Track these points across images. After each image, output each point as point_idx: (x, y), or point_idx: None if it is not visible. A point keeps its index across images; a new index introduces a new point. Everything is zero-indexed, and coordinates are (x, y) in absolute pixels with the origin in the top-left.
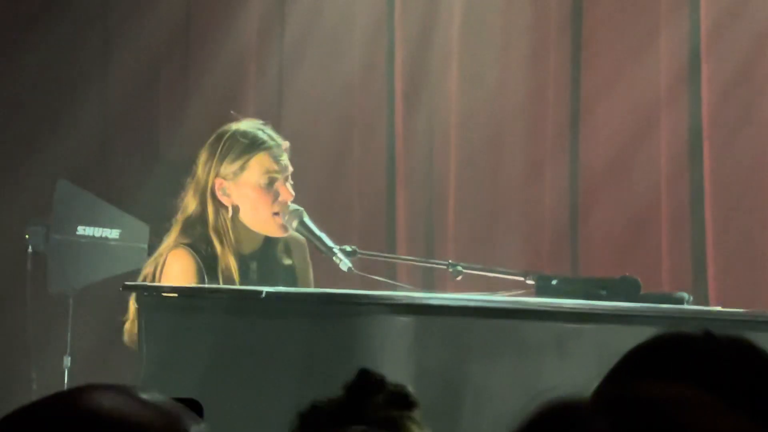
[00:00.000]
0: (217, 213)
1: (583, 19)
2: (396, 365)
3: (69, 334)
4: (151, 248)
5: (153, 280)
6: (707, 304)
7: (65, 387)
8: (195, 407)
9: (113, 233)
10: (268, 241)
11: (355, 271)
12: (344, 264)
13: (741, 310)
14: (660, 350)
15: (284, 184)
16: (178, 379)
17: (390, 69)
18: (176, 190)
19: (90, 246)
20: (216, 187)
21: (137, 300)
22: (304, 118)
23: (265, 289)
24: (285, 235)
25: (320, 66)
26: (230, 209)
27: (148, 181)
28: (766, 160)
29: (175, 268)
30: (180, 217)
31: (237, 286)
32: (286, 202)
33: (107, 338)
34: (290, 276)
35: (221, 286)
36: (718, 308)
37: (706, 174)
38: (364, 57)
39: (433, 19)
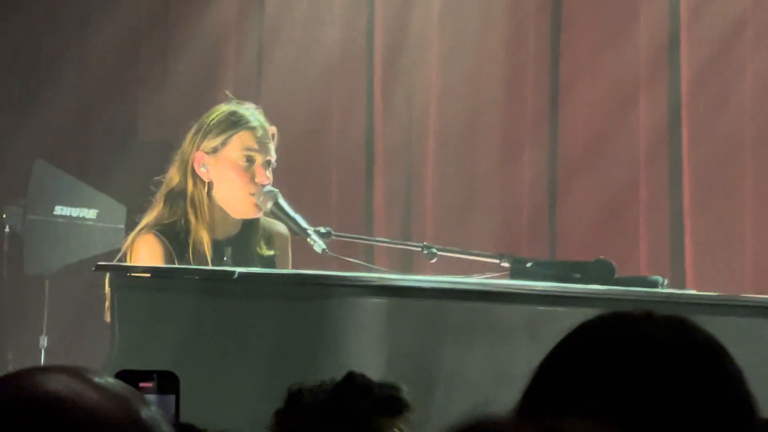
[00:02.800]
0: (194, 186)
1: (563, 0)
2: (368, 347)
3: (45, 314)
4: (129, 228)
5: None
6: (684, 287)
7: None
8: (172, 379)
9: (90, 213)
10: (246, 229)
11: (329, 253)
12: (318, 246)
13: (715, 293)
14: (600, 331)
15: (262, 167)
16: (150, 359)
17: (369, 50)
18: (154, 170)
19: (67, 226)
20: (196, 161)
21: (110, 280)
22: (283, 98)
23: (238, 269)
24: (258, 216)
25: (299, 48)
26: (206, 184)
27: (125, 161)
28: (743, 143)
29: (142, 254)
30: (164, 190)
31: (209, 267)
32: (261, 185)
33: (84, 318)
34: (269, 266)
35: (194, 266)
36: (692, 292)
37: (684, 156)
38: (342, 38)
39: (412, 1)
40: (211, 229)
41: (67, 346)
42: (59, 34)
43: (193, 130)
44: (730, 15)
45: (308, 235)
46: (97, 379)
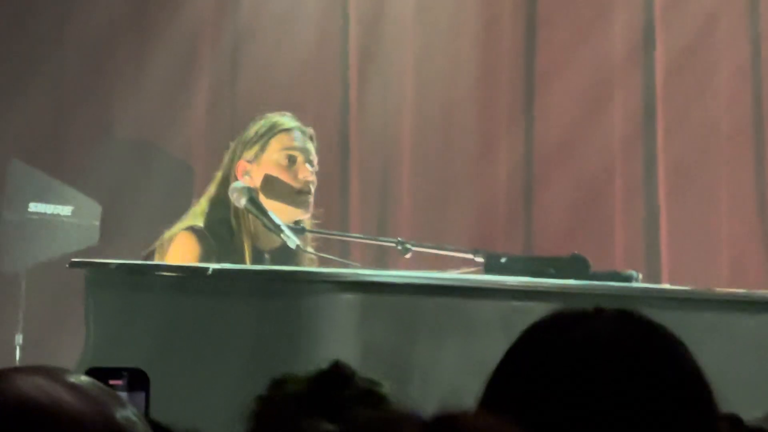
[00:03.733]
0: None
1: None
2: (342, 343)
3: (21, 312)
4: (104, 225)
5: (156, 257)
6: (659, 281)
7: (17, 365)
8: (141, 377)
9: (65, 211)
10: (287, 248)
11: (303, 249)
12: (292, 242)
13: (690, 288)
14: (550, 328)
15: (304, 164)
16: (124, 356)
17: (344, 47)
18: (129, 167)
19: (42, 223)
20: (239, 171)
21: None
22: (258, 95)
23: (211, 266)
24: (309, 213)
25: (274, 45)
26: (256, 192)
27: (100, 158)
28: (718, 137)
29: (179, 251)
30: (203, 200)
31: (184, 264)
32: (307, 182)
33: (59, 315)
34: None
35: (167, 263)
36: (667, 286)
37: (659, 151)
38: (317, 35)
39: None
40: (256, 238)
41: (43, 343)
42: (35, 31)
43: (232, 147)
44: (703, 8)
45: (282, 231)
46: (71, 380)
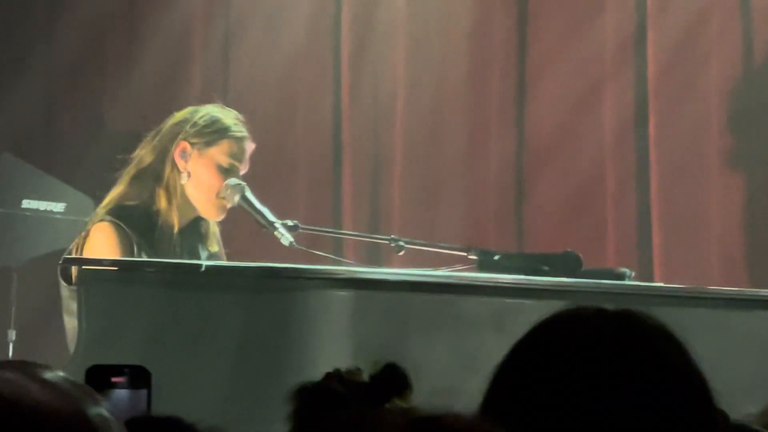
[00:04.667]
0: (171, 172)
1: None
2: (335, 339)
3: (13, 308)
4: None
5: (78, 252)
6: (651, 279)
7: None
8: (143, 374)
9: (58, 207)
10: (196, 222)
11: (297, 246)
12: (285, 239)
13: (682, 285)
14: (553, 328)
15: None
16: (116, 352)
17: (335, 42)
18: (121, 162)
19: (34, 220)
20: (178, 149)
21: (79, 275)
22: (249, 91)
23: (205, 263)
24: (219, 219)
25: (266, 35)
26: (184, 175)
27: (92, 153)
28: (710, 131)
29: (98, 243)
30: (132, 169)
31: (176, 260)
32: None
33: (51, 312)
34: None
35: (161, 260)
36: (659, 284)
37: (651, 148)
38: (309, 31)
39: None
40: (182, 212)
41: (35, 339)
42: (26, 26)
43: (179, 118)
44: (695, 4)
45: (275, 228)
46: (45, 376)
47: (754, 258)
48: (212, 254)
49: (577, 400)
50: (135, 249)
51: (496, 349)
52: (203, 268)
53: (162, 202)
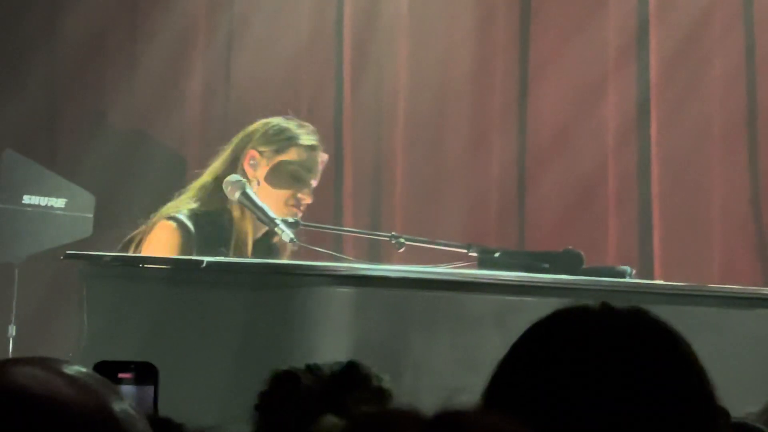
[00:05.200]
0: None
1: None
2: (336, 336)
3: (14, 303)
4: (97, 217)
5: (137, 246)
6: (652, 277)
7: (10, 356)
8: (150, 370)
9: (59, 202)
10: (268, 235)
11: (298, 243)
12: (286, 235)
13: (682, 283)
14: (559, 324)
15: (309, 188)
16: (118, 348)
17: (338, 39)
18: (122, 159)
19: (35, 215)
20: (247, 157)
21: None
22: (252, 85)
23: (206, 258)
24: (298, 216)
25: (269, 34)
26: (253, 183)
27: (94, 150)
28: (711, 132)
29: (160, 241)
30: (204, 178)
31: (177, 256)
32: (301, 203)
33: (52, 307)
34: None
35: (161, 256)
36: (660, 282)
37: (653, 145)
38: (312, 26)
39: None
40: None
41: (36, 335)
42: (29, 23)
43: (249, 130)
44: (698, 5)
45: (276, 225)
46: (68, 371)
47: (754, 256)
48: None
49: (580, 397)
50: (194, 253)
51: (496, 347)
52: (204, 264)
53: (236, 212)
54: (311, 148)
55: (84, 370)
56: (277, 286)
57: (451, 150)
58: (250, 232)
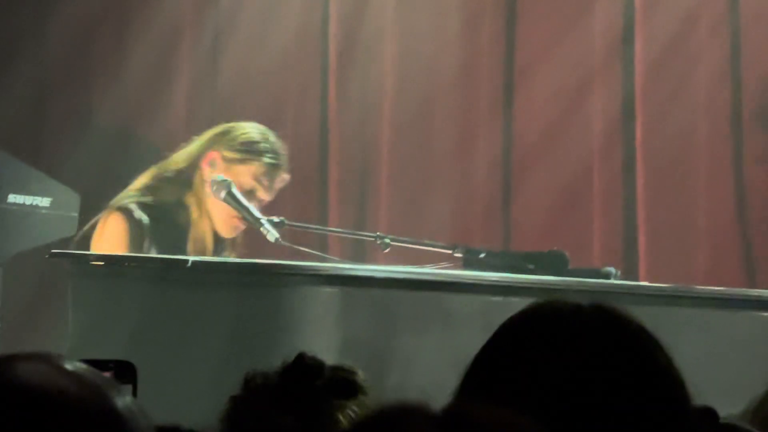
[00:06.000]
0: (201, 182)
1: None
2: (322, 336)
3: None
4: (82, 216)
5: (89, 238)
6: (637, 278)
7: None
8: (129, 368)
9: (44, 201)
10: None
11: (283, 243)
12: (271, 235)
13: (668, 284)
14: (530, 322)
15: (257, 202)
16: (104, 347)
17: (324, 40)
18: (108, 158)
19: (20, 214)
20: (208, 157)
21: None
22: (238, 86)
23: (191, 258)
24: (232, 236)
25: (255, 34)
26: (207, 184)
27: (80, 148)
28: (697, 132)
29: (108, 233)
30: (163, 167)
31: (163, 255)
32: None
33: (37, 306)
34: None
35: (147, 255)
36: (644, 283)
37: (638, 147)
38: (298, 28)
39: None
40: (212, 227)
41: (21, 333)
42: (15, 21)
43: (219, 130)
44: (684, 7)
45: (261, 225)
46: (70, 367)
47: (740, 258)
48: None
49: (548, 394)
50: (146, 244)
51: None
52: (190, 264)
53: (193, 210)
54: (274, 167)
55: (86, 366)
56: (263, 286)
57: (436, 150)
58: (209, 229)
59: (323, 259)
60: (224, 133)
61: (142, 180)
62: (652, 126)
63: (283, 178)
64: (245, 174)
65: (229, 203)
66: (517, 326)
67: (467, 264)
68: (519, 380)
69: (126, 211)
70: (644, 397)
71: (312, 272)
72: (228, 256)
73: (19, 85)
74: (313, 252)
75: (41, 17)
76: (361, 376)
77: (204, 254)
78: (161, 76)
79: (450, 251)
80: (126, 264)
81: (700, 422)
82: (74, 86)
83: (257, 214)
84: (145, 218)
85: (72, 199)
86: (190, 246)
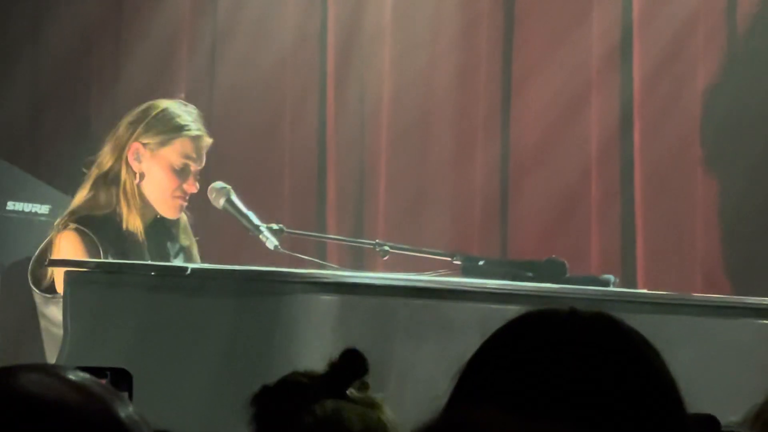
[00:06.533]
0: (127, 174)
1: None
2: (320, 344)
3: None
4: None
5: (44, 257)
6: (635, 286)
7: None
8: (124, 377)
9: (42, 209)
10: (161, 219)
11: (282, 250)
12: (271, 242)
13: (665, 292)
14: (525, 329)
15: (193, 176)
16: (101, 355)
17: (322, 47)
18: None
19: (19, 222)
20: (131, 151)
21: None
22: (236, 93)
23: (190, 265)
24: (176, 217)
25: (252, 42)
26: (137, 176)
27: (78, 156)
28: (694, 141)
29: (64, 250)
30: (94, 172)
31: (162, 263)
32: (187, 193)
33: (35, 313)
34: (184, 255)
35: (145, 262)
36: (643, 291)
37: (636, 156)
38: (295, 35)
39: None
40: (143, 215)
41: (19, 341)
42: (12, 29)
43: (132, 117)
44: (681, 16)
45: (261, 232)
46: (73, 377)
47: (736, 266)
48: (182, 248)
49: (543, 400)
50: (102, 256)
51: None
52: (188, 272)
53: (123, 207)
54: (196, 138)
55: (87, 376)
56: (262, 294)
57: (434, 158)
58: (140, 225)
59: (322, 267)
60: (138, 121)
61: (81, 192)
62: (649, 133)
63: (208, 142)
64: (172, 154)
65: (228, 211)
66: (513, 331)
67: (466, 272)
68: (515, 385)
69: (74, 228)
70: (637, 406)
71: (311, 280)
72: (184, 244)
73: (18, 93)
74: (312, 259)
75: (39, 25)
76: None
77: (139, 249)
78: (158, 84)
79: (449, 259)
80: (123, 272)
81: (702, 430)
82: (72, 94)
83: (256, 221)
84: (92, 231)
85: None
86: (126, 245)
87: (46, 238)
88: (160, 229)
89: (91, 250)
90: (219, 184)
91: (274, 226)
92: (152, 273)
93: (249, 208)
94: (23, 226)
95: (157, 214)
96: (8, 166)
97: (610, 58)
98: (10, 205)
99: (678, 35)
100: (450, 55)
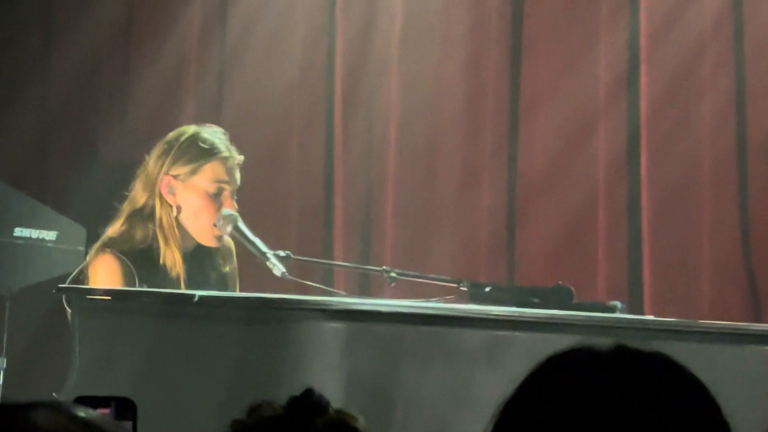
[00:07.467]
0: (162, 208)
1: (524, 24)
2: (327, 371)
3: (5, 336)
4: (89, 250)
5: (78, 282)
6: (642, 312)
7: (0, 389)
8: (129, 406)
9: (50, 235)
10: (201, 246)
11: (289, 277)
12: (278, 269)
13: (671, 319)
14: (570, 365)
15: (230, 197)
16: (109, 382)
17: (329, 74)
18: (115, 191)
19: (26, 248)
20: (164, 185)
21: (71, 302)
22: (243, 119)
23: (198, 292)
24: (217, 245)
25: (260, 68)
26: (174, 209)
27: (85, 182)
28: (702, 168)
29: (101, 274)
30: (127, 208)
31: (169, 290)
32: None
33: (43, 340)
34: (222, 283)
35: (153, 289)
36: (651, 317)
37: (643, 181)
38: (304, 60)
39: (374, 23)
40: (180, 249)
41: (27, 367)
42: (22, 55)
43: (159, 150)
44: (689, 42)
45: (268, 259)
46: (81, 414)
47: (744, 292)
48: (223, 275)
49: None
50: (137, 283)
51: (487, 382)
52: (196, 299)
53: (160, 242)
54: (225, 159)
55: (96, 413)
56: (269, 321)
57: (442, 185)
58: (178, 259)
59: (329, 293)
60: (165, 153)
61: (116, 224)
62: (657, 161)
63: (239, 160)
64: (204, 181)
65: (235, 238)
66: (558, 367)
67: (473, 298)
68: (560, 422)
69: (111, 252)
70: None
71: (318, 307)
72: (224, 270)
73: (26, 120)
74: (319, 286)
75: (47, 52)
76: (362, 423)
77: (176, 284)
78: (166, 111)
79: (456, 285)
80: (131, 298)
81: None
82: (80, 120)
83: (264, 248)
84: (128, 258)
85: (78, 233)
86: (161, 278)
87: (53, 264)
88: (201, 257)
89: (128, 277)
90: (227, 210)
91: (281, 253)
92: (160, 300)
93: (256, 234)
94: (31, 253)
95: (197, 242)
96: (16, 192)
97: (617, 86)
98: (18, 232)
99: (685, 62)
100: (458, 82)
